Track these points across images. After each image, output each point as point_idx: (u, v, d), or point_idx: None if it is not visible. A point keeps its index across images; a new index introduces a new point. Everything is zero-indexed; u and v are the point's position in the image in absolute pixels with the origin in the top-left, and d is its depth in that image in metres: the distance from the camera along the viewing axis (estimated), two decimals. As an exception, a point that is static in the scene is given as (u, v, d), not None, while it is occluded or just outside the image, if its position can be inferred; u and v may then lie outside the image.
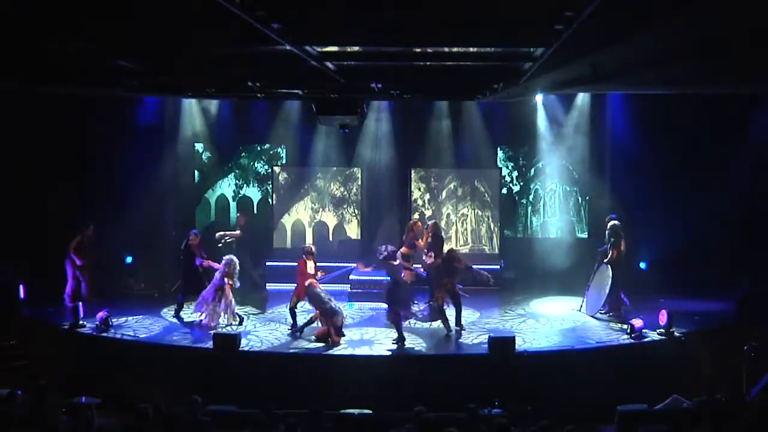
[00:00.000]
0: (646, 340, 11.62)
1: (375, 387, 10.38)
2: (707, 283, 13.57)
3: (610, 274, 12.63)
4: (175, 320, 12.76)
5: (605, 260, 12.81)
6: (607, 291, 12.69)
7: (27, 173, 14.40)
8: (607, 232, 12.99)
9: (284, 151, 16.80)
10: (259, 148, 16.88)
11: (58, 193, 14.69)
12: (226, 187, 16.90)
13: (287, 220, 16.27)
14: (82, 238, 12.96)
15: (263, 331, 12.27)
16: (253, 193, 16.96)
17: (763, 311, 12.05)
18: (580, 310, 13.23)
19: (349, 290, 14.31)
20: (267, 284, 15.03)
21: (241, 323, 12.42)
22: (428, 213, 16.05)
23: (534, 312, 13.55)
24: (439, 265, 12.10)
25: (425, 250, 12.57)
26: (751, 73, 9.45)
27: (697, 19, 6.09)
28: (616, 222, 12.95)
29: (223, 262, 12.48)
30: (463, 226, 16.00)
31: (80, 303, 12.26)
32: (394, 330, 11.51)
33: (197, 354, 11.23)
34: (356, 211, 16.22)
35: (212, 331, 11.64)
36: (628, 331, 11.74)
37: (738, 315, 12.60)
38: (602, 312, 12.90)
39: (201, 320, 12.38)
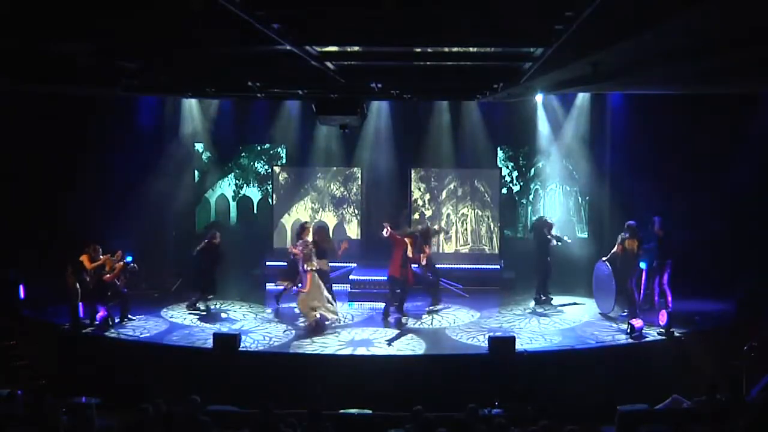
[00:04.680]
0: (646, 340, 11.63)
1: (375, 387, 10.38)
2: (707, 283, 13.57)
3: (608, 272, 12.73)
4: (177, 320, 12.79)
5: (604, 258, 12.97)
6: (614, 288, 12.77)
7: (27, 173, 14.40)
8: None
9: (284, 151, 16.83)
10: (259, 148, 16.90)
11: (58, 193, 14.69)
12: (226, 187, 16.93)
13: (287, 220, 16.26)
14: (88, 257, 12.68)
15: (263, 331, 12.27)
16: (253, 193, 16.98)
17: (763, 311, 12.05)
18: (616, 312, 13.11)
19: (349, 290, 14.31)
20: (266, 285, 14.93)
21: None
22: (428, 213, 16.06)
23: (534, 312, 13.54)
24: None
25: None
26: (751, 73, 9.45)
27: (697, 18, 6.09)
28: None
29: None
30: (463, 226, 16.00)
31: (80, 303, 12.24)
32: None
33: (197, 354, 11.23)
34: (356, 211, 16.22)
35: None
36: (628, 331, 11.75)
37: (738, 315, 12.60)
38: (622, 312, 12.92)
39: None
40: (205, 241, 13.36)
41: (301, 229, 13.09)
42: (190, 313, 13.14)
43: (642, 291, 13.29)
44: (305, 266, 12.21)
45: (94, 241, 12.52)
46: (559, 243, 14.02)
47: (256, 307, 13.74)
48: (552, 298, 14.03)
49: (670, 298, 13.01)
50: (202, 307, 13.33)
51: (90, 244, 12.41)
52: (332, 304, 12.48)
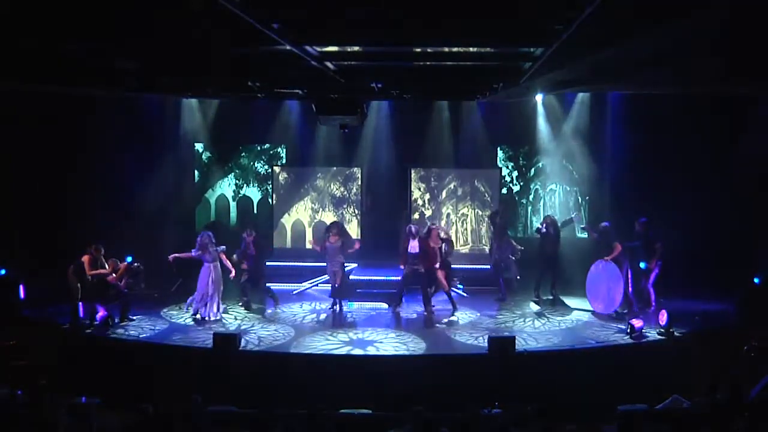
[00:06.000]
0: (646, 340, 11.63)
1: (375, 387, 10.38)
2: (707, 283, 13.57)
3: (616, 272, 12.82)
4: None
5: (607, 257, 12.97)
6: (621, 289, 12.86)
7: (27, 173, 14.40)
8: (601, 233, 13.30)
9: (284, 151, 16.84)
10: (259, 148, 16.91)
11: (58, 192, 14.69)
12: (226, 187, 16.93)
13: (287, 220, 16.27)
14: (91, 258, 12.66)
15: (263, 331, 12.27)
16: (253, 193, 16.98)
17: (763, 311, 12.05)
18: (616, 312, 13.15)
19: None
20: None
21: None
22: (428, 213, 16.07)
23: (534, 312, 13.54)
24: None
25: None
26: (750, 73, 9.46)
27: (697, 19, 6.10)
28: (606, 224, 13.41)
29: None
30: (463, 226, 16.00)
31: (80, 303, 12.24)
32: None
33: (197, 354, 11.22)
34: (356, 211, 16.22)
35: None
36: (628, 331, 11.75)
37: (738, 315, 12.60)
38: (619, 310, 12.96)
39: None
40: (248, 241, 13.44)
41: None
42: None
43: (631, 290, 13.27)
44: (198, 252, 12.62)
45: (96, 240, 12.52)
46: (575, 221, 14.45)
47: (257, 306, 13.71)
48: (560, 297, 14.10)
49: (653, 299, 13.08)
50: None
51: (92, 244, 12.42)
52: (216, 307, 12.73)
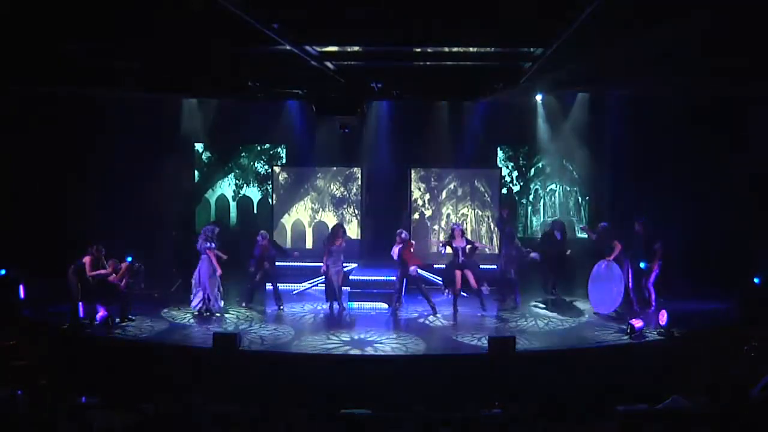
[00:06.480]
0: (646, 340, 11.63)
1: (375, 387, 10.38)
2: (707, 283, 13.58)
3: (618, 272, 12.83)
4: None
5: (609, 257, 12.97)
6: (622, 289, 12.89)
7: (27, 173, 14.40)
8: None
9: (284, 151, 16.84)
10: (259, 148, 16.92)
11: (58, 192, 14.69)
12: (226, 187, 16.94)
13: (287, 220, 16.27)
14: (92, 259, 12.66)
15: (263, 331, 12.27)
16: (253, 193, 16.99)
17: (763, 311, 12.06)
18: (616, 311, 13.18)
19: (349, 290, 14.30)
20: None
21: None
22: (428, 213, 16.07)
23: (534, 312, 13.54)
24: None
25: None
26: (750, 73, 9.47)
27: (696, 19, 6.10)
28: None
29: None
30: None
31: (80, 303, 12.24)
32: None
33: (197, 354, 11.22)
34: (356, 211, 16.23)
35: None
36: (628, 331, 11.75)
37: (738, 315, 12.61)
38: (619, 310, 12.98)
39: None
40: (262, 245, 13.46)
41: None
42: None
43: (631, 288, 13.27)
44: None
45: (97, 241, 12.52)
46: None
47: (257, 307, 13.72)
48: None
49: (653, 298, 13.10)
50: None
51: (93, 244, 12.41)
52: (205, 300, 12.91)
